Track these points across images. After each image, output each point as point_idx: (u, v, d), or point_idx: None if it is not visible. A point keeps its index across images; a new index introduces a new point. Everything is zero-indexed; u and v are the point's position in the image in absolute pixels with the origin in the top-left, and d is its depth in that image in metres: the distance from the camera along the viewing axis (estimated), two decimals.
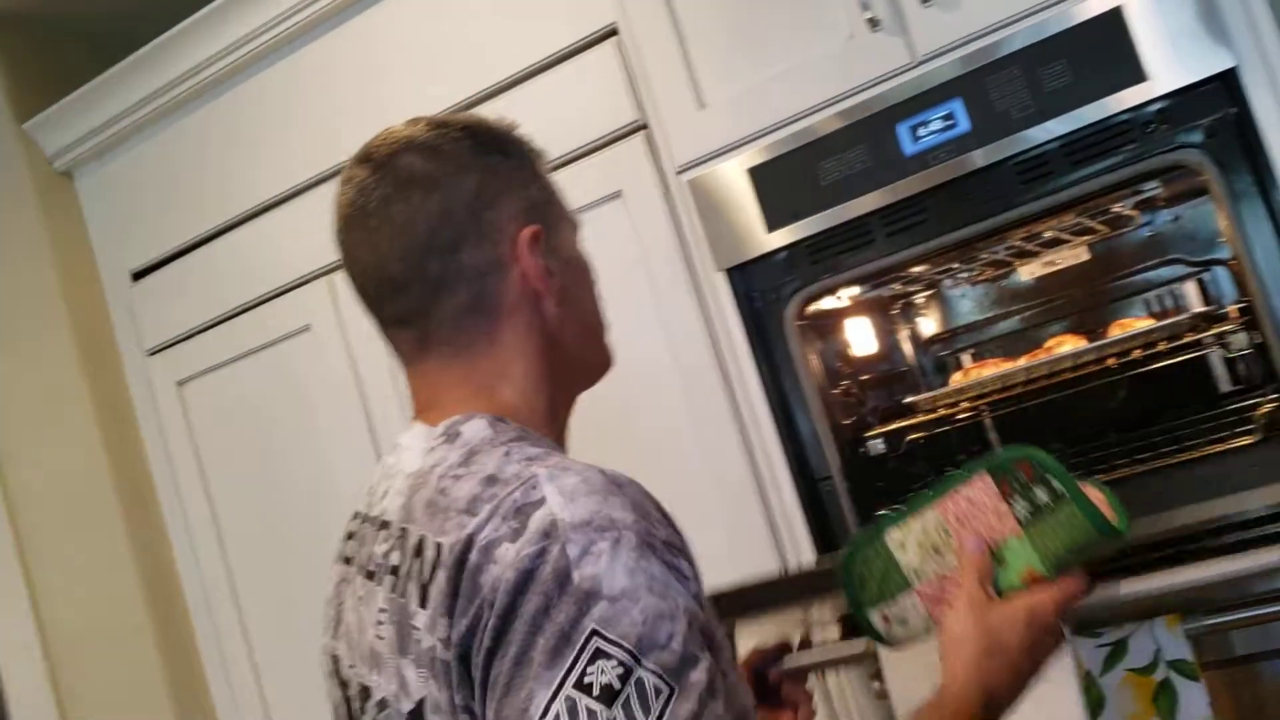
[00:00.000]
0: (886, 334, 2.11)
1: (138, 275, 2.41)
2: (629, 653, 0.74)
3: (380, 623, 0.88)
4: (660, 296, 1.87)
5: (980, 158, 1.56)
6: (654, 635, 0.75)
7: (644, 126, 1.88)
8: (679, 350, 1.86)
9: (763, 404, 1.76)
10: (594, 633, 0.75)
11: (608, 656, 0.74)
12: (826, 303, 1.84)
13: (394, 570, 0.88)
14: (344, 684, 0.95)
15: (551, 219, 0.98)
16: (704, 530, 1.79)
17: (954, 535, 0.99)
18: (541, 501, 0.80)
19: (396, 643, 0.85)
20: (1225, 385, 1.88)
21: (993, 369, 1.88)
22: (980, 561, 0.97)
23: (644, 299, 1.88)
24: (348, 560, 1.00)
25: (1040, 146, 1.53)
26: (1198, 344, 1.70)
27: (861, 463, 1.80)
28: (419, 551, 0.85)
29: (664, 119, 1.79)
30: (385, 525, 0.92)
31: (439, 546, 0.83)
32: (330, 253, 2.16)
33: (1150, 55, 1.44)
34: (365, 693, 0.90)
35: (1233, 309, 1.77)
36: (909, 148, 1.60)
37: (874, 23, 1.62)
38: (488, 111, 1.92)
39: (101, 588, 2.32)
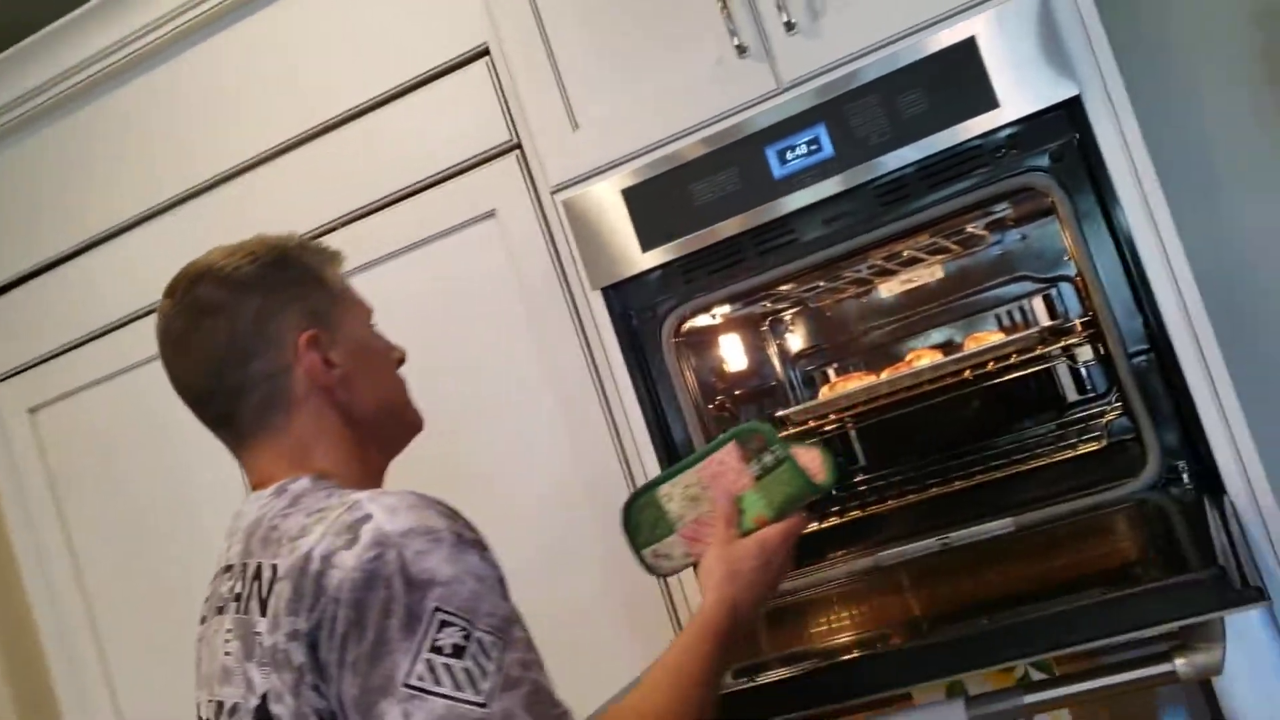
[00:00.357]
0: (757, 350, 2.17)
1: None
2: (465, 620, 0.93)
3: (228, 641, 1.04)
4: (536, 315, 1.89)
5: (843, 181, 1.63)
6: (480, 606, 0.94)
7: (518, 146, 1.90)
8: (555, 367, 1.88)
9: (639, 419, 1.79)
10: (436, 609, 0.93)
11: (451, 625, 0.92)
12: (701, 320, 1.89)
13: (237, 597, 1.05)
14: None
15: (334, 318, 1.16)
16: (580, 538, 1.85)
17: (708, 489, 1.27)
18: (368, 517, 0.97)
19: (242, 652, 1.01)
20: (1072, 395, 2.01)
21: (856, 382, 1.95)
22: (726, 509, 1.25)
23: (519, 317, 1.90)
24: (203, 619, 1.15)
25: (899, 170, 1.61)
26: (1046, 356, 1.80)
27: None
28: (257, 575, 1.02)
29: (537, 139, 1.81)
30: (229, 568, 1.10)
31: (274, 567, 1.00)
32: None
33: (1000, 84, 1.53)
34: (219, 709, 1.05)
35: (1078, 323, 1.88)
36: (777, 171, 1.66)
37: (741, 49, 1.67)
38: (354, 131, 1.95)
39: None
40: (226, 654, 1.03)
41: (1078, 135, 1.53)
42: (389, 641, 0.91)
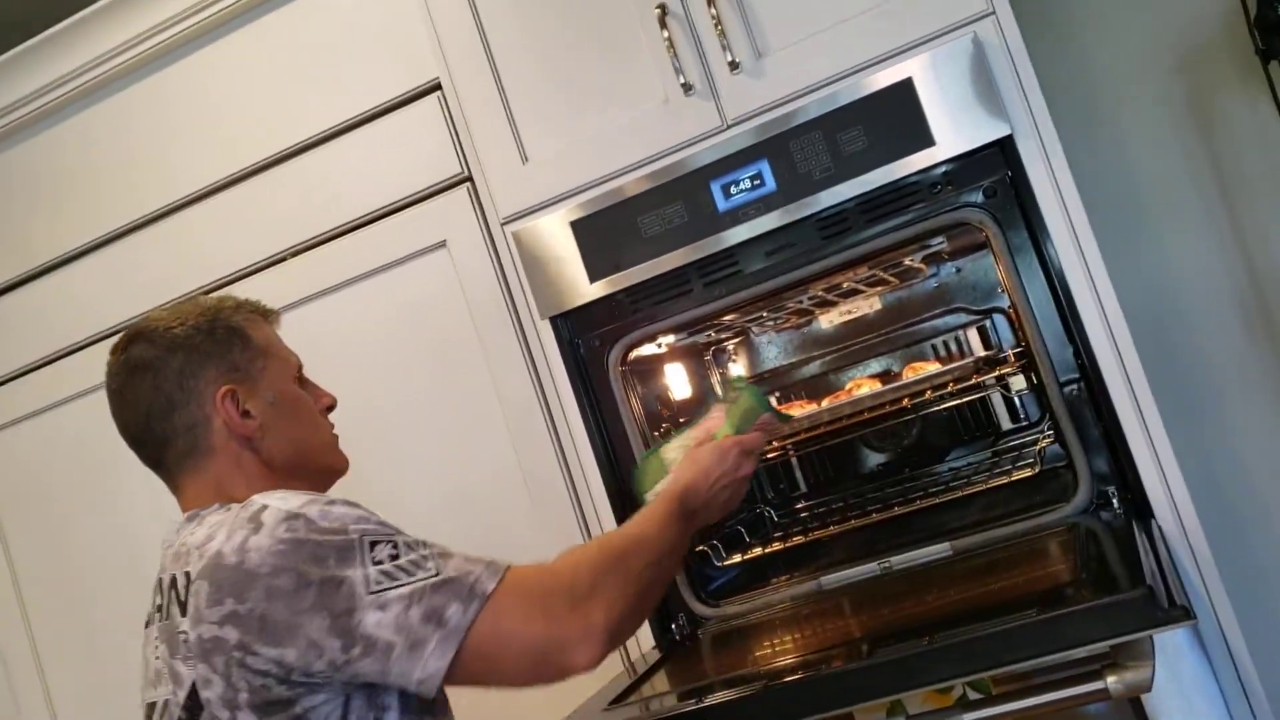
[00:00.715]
0: (701, 378, 2.21)
1: None
2: (387, 535, 1.12)
3: (156, 647, 1.17)
4: (486, 343, 1.91)
5: (785, 215, 1.68)
6: (389, 526, 1.15)
7: (469, 179, 1.92)
8: (505, 394, 1.91)
9: (586, 445, 1.82)
10: (360, 536, 1.11)
11: (378, 543, 1.11)
12: (647, 349, 1.92)
13: (159, 608, 1.18)
14: None
15: (254, 373, 1.29)
16: (530, 558, 1.86)
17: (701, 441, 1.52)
18: (265, 507, 1.14)
19: (168, 652, 1.14)
20: (1006, 423, 2.07)
21: (798, 409, 1.99)
22: (700, 436, 1.52)
23: (470, 345, 1.92)
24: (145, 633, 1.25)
25: (839, 205, 1.66)
26: (981, 385, 1.86)
27: None
28: (173, 584, 1.16)
29: (488, 172, 1.84)
30: (156, 590, 1.22)
31: (187, 574, 1.14)
32: (136, 304, 2.13)
33: (936, 123, 1.59)
34: (151, 709, 1.17)
35: (1011, 353, 1.95)
36: (722, 204, 1.70)
37: (687, 87, 1.72)
38: (307, 163, 1.97)
39: None
40: (156, 659, 1.16)
41: (1009, 173, 1.60)
42: (334, 575, 1.07)
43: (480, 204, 1.91)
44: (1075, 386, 1.59)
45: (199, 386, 1.26)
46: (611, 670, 1.77)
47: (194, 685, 1.10)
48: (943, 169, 1.62)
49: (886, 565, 1.67)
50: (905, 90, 1.61)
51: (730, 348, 2.26)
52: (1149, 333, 1.98)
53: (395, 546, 1.11)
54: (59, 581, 2.20)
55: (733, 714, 1.20)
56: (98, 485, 2.17)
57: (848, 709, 1.24)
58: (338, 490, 1.30)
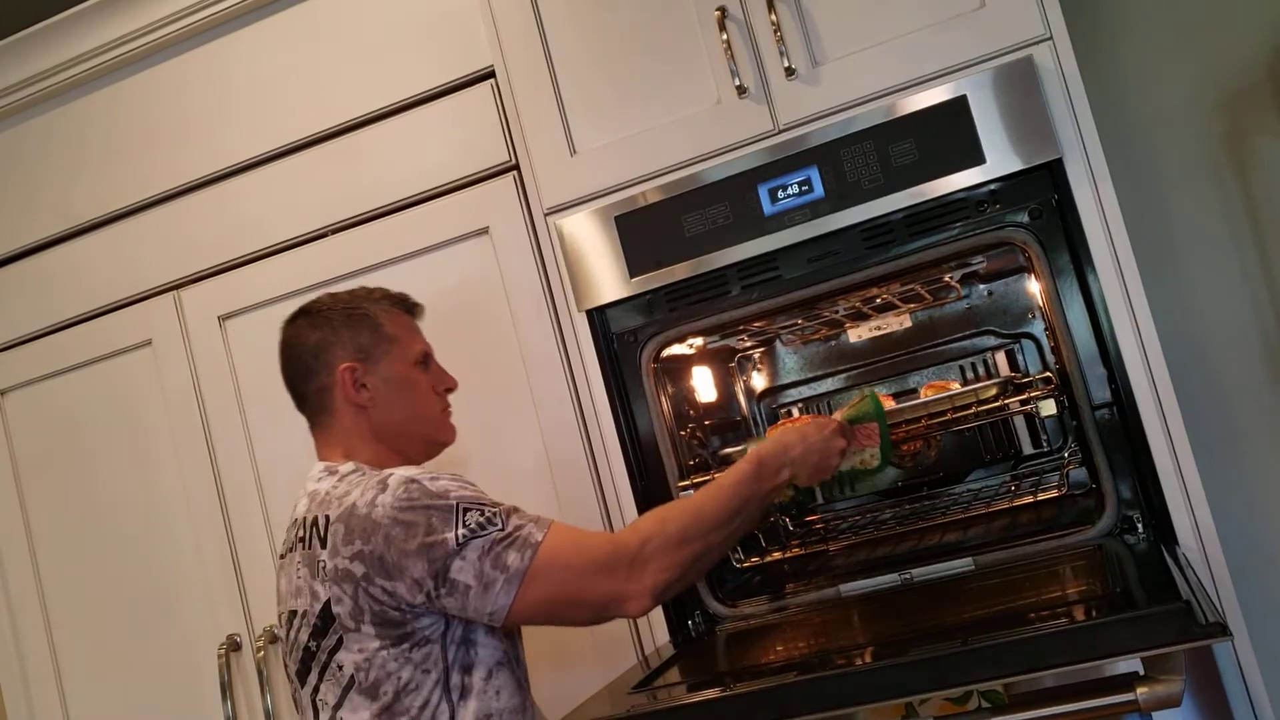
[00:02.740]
0: (725, 385, 2.22)
1: None
2: (480, 506, 1.39)
3: (298, 569, 1.45)
4: (522, 332, 1.93)
5: (831, 222, 1.70)
6: (486, 499, 1.41)
7: (515, 167, 1.94)
8: (538, 384, 1.92)
9: (614, 440, 1.83)
10: (458, 503, 1.38)
11: (470, 510, 1.38)
12: (678, 349, 1.94)
13: (301, 540, 1.47)
14: (285, 626, 1.49)
15: (376, 355, 1.57)
16: None
17: None
18: (392, 474, 1.43)
19: (309, 574, 1.43)
20: (1035, 445, 2.08)
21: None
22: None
23: (505, 334, 1.94)
24: (282, 555, 1.54)
25: (885, 216, 1.68)
26: (1005, 408, 1.87)
27: None
28: (315, 524, 1.45)
29: (535, 162, 1.86)
30: (296, 521, 1.51)
31: (328, 518, 1.43)
32: (178, 268, 2.15)
33: (988, 141, 1.61)
34: (291, 616, 1.47)
35: (1039, 376, 1.96)
36: (768, 208, 1.72)
37: (741, 90, 1.74)
38: (358, 140, 1.99)
39: None
40: (298, 577, 1.45)
41: (1056, 196, 1.62)
42: (435, 531, 1.35)
43: (525, 193, 1.92)
44: (1107, 411, 1.60)
45: (329, 360, 1.55)
46: (625, 662, 1.79)
47: (328, 601, 1.39)
48: (990, 187, 1.64)
49: (908, 577, 1.68)
50: (959, 107, 1.63)
51: (756, 356, 2.28)
52: (1184, 364, 2.00)
53: (481, 512, 1.38)
54: (75, 538, 2.21)
55: (764, 701, 1.21)
56: (124, 446, 2.18)
57: (875, 705, 1.25)
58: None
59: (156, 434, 2.15)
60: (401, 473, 1.42)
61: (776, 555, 1.99)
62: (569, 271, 1.83)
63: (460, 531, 1.35)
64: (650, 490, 1.82)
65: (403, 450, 1.57)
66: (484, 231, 1.95)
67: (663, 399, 1.85)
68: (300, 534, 1.46)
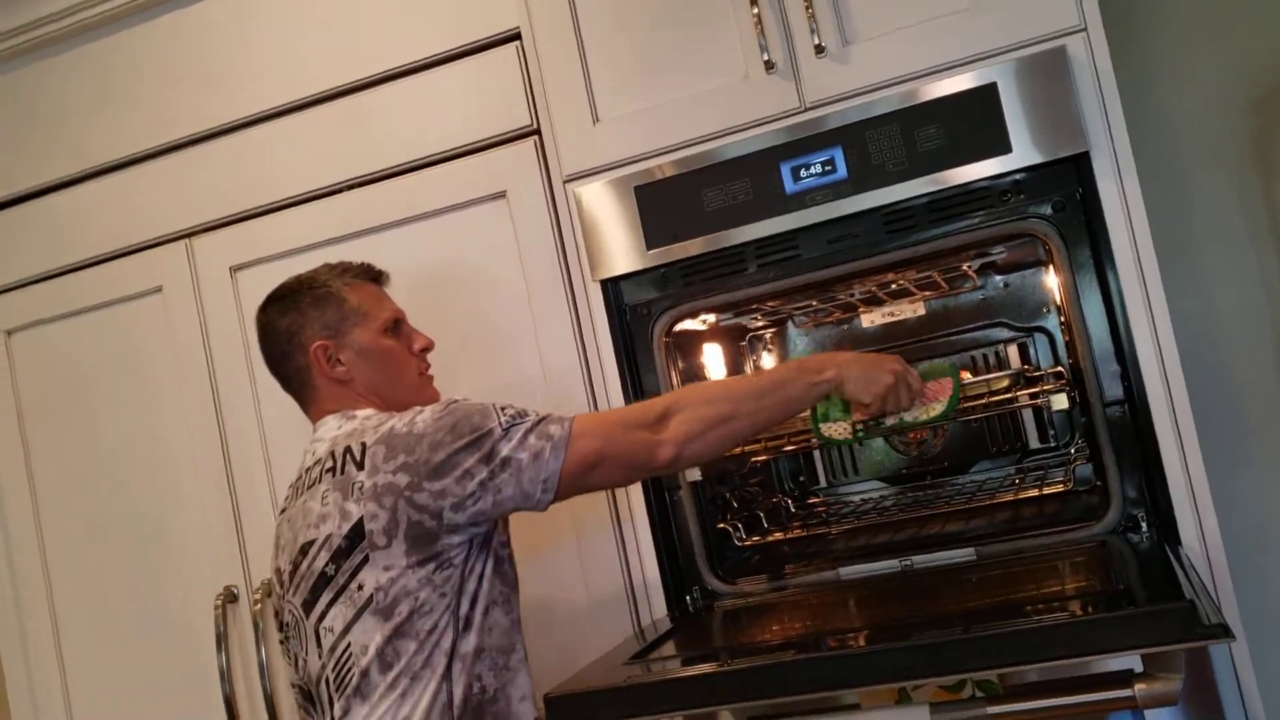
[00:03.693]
0: (736, 363, 2.21)
1: None
2: (516, 409, 1.50)
3: (325, 495, 1.49)
4: (534, 299, 1.92)
5: (853, 204, 1.68)
6: (525, 410, 1.51)
7: (536, 132, 1.93)
8: (547, 352, 1.91)
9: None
10: (494, 404, 1.49)
11: (507, 409, 1.49)
12: (690, 324, 1.93)
13: (330, 469, 1.50)
14: (289, 566, 1.52)
15: (344, 329, 1.62)
16: (557, 532, 1.88)
17: None
18: (425, 406, 1.51)
19: (340, 498, 1.46)
20: (1042, 439, 2.08)
21: None
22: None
23: (518, 300, 1.93)
24: (284, 509, 1.60)
25: (908, 200, 1.67)
26: (1015, 400, 1.87)
27: (709, 478, 1.88)
28: (349, 451, 1.49)
29: (557, 128, 1.85)
30: (318, 461, 1.54)
31: (364, 444, 1.48)
32: (192, 216, 2.14)
33: (1015, 131, 1.60)
34: (306, 547, 1.49)
35: (1049, 370, 1.95)
36: (790, 186, 1.71)
37: (770, 65, 1.72)
38: (379, 96, 1.98)
39: None
40: (323, 504, 1.48)
41: (1081, 189, 1.61)
42: (479, 426, 1.45)
43: (545, 159, 1.91)
44: (1119, 408, 1.60)
45: (301, 341, 1.61)
46: (623, 634, 1.79)
47: (360, 520, 1.44)
48: (1015, 177, 1.62)
49: (908, 563, 1.68)
50: (989, 95, 1.61)
51: (767, 336, 2.27)
52: (1198, 366, 1.98)
53: (515, 408, 1.50)
54: (76, 482, 2.21)
55: (761, 678, 1.21)
56: (130, 392, 2.18)
57: (872, 687, 1.25)
58: None
59: (163, 382, 2.15)
60: (434, 403, 1.53)
61: (778, 536, 1.99)
62: (585, 240, 1.82)
63: (502, 420, 1.46)
64: None
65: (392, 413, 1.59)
66: (501, 196, 1.94)
67: (673, 373, 1.85)
68: (328, 465, 1.51)
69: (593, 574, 1.88)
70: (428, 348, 1.69)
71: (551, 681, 1.39)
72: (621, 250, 1.80)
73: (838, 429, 1.67)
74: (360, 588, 1.44)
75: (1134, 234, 1.59)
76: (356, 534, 1.44)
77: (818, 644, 1.35)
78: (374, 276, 1.70)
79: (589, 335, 1.87)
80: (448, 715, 1.44)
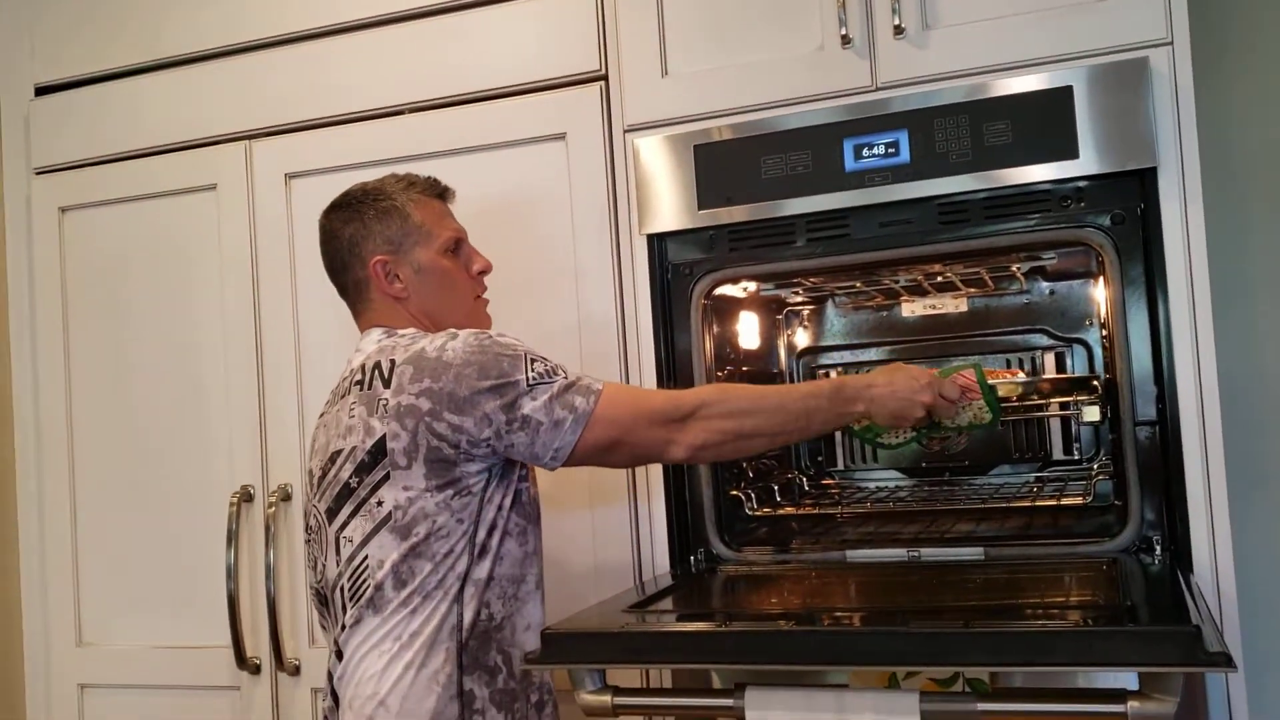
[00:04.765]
0: (769, 336, 2.21)
1: (42, 90, 2.30)
2: (544, 358, 1.50)
3: (352, 407, 1.52)
4: (580, 245, 1.92)
5: (911, 190, 1.67)
6: (549, 356, 1.51)
7: (604, 78, 1.92)
8: (585, 299, 1.91)
9: (652, 369, 1.83)
10: (526, 353, 1.49)
11: (537, 361, 1.49)
12: (730, 289, 1.93)
13: (359, 382, 1.53)
14: (319, 472, 1.55)
15: (406, 245, 1.62)
16: (571, 480, 1.89)
17: None
18: (461, 328, 1.54)
19: (365, 412, 1.49)
20: (1066, 451, 2.07)
21: None
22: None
23: (564, 243, 1.93)
24: (322, 414, 1.63)
25: (966, 193, 1.65)
26: (1055, 406, 1.86)
27: None
28: (378, 366, 1.52)
29: (625, 76, 1.85)
30: (352, 371, 1.57)
31: (393, 361, 1.51)
32: (255, 119, 2.15)
33: (1085, 137, 1.58)
34: (335, 455, 1.52)
35: (1083, 376, 1.94)
36: (850, 164, 1.70)
37: (846, 40, 1.71)
38: (450, 23, 1.98)
39: None
40: (350, 416, 1.51)
41: (1143, 205, 1.59)
42: (507, 374, 1.46)
43: (609, 106, 1.90)
44: (1150, 429, 1.59)
45: (362, 254, 1.61)
46: (623, 583, 1.81)
47: (383, 437, 1.46)
48: (1078, 184, 1.61)
49: (916, 555, 1.68)
50: (1063, 97, 1.59)
51: (804, 313, 2.26)
52: (1236, 399, 1.97)
53: (545, 364, 1.49)
54: (111, 365, 2.24)
55: (757, 643, 1.22)
56: (173, 284, 2.20)
57: (866, 668, 1.26)
58: None
59: (207, 279, 2.16)
60: (470, 329, 1.54)
61: (789, 510, 2.00)
62: (638, 192, 1.82)
63: (530, 375, 1.46)
64: None
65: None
66: (560, 138, 1.94)
67: (707, 337, 1.85)
68: (358, 379, 1.53)
69: (602, 526, 1.89)
70: (485, 270, 1.69)
71: (547, 620, 1.40)
72: (672, 207, 1.80)
73: (893, 437, 1.73)
74: (380, 504, 1.47)
75: (1190, 257, 1.57)
76: (379, 451, 1.47)
77: (815, 619, 1.35)
78: (440, 193, 1.69)
79: (629, 288, 1.87)
80: (456, 636, 1.47)
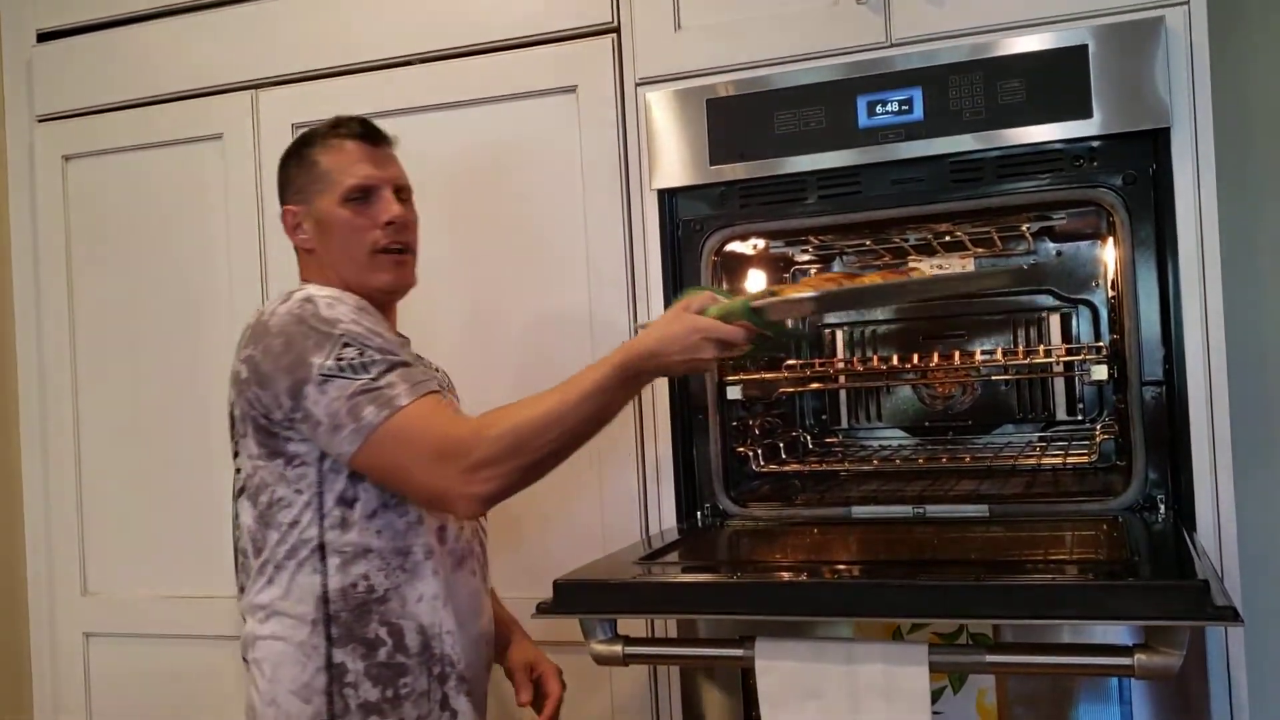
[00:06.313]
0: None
1: (45, 36, 2.28)
2: (361, 344, 1.36)
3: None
4: (589, 199, 1.91)
5: (924, 148, 1.67)
6: (373, 340, 1.37)
7: (615, 30, 1.90)
8: (595, 254, 1.91)
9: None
10: (340, 335, 1.36)
11: (350, 346, 1.36)
12: (739, 246, 1.92)
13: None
14: None
15: (310, 194, 1.52)
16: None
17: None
18: (303, 289, 1.45)
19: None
20: (1070, 411, 2.08)
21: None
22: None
23: (573, 196, 1.92)
24: None
25: (979, 152, 1.65)
26: (1061, 366, 1.87)
27: (727, 403, 1.89)
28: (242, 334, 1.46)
29: (638, 29, 1.84)
30: None
31: (249, 323, 1.45)
32: (261, 68, 2.13)
33: (1099, 96, 1.57)
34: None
35: (1087, 343, 1.95)
36: (863, 120, 1.70)
37: None
38: None
39: None
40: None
41: (1155, 166, 1.59)
42: (307, 352, 1.35)
43: (621, 59, 1.89)
44: (1156, 389, 1.59)
45: (283, 203, 1.57)
46: (629, 538, 1.82)
47: (231, 403, 1.46)
48: (1091, 144, 1.60)
49: (920, 511, 1.69)
50: (1078, 56, 1.59)
51: (812, 272, 2.26)
52: (1243, 361, 1.96)
53: (362, 353, 1.36)
54: (114, 316, 2.23)
55: (766, 595, 1.23)
56: (176, 232, 2.19)
57: (874, 620, 1.27)
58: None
59: (212, 228, 2.15)
60: (311, 289, 1.44)
61: (794, 467, 2.01)
62: (649, 147, 1.81)
63: (329, 363, 1.34)
64: (684, 384, 1.83)
65: (360, 290, 1.50)
66: (571, 90, 1.92)
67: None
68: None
69: (610, 482, 1.90)
70: (394, 220, 1.51)
71: (553, 575, 1.40)
72: (683, 162, 1.80)
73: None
74: (239, 470, 1.47)
75: (1201, 218, 1.57)
76: (232, 417, 1.47)
77: (823, 572, 1.36)
78: (362, 134, 1.54)
79: (639, 243, 1.87)
80: (321, 608, 1.41)
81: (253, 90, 2.12)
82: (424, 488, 1.36)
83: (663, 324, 1.38)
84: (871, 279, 1.52)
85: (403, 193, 1.55)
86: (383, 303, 1.53)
